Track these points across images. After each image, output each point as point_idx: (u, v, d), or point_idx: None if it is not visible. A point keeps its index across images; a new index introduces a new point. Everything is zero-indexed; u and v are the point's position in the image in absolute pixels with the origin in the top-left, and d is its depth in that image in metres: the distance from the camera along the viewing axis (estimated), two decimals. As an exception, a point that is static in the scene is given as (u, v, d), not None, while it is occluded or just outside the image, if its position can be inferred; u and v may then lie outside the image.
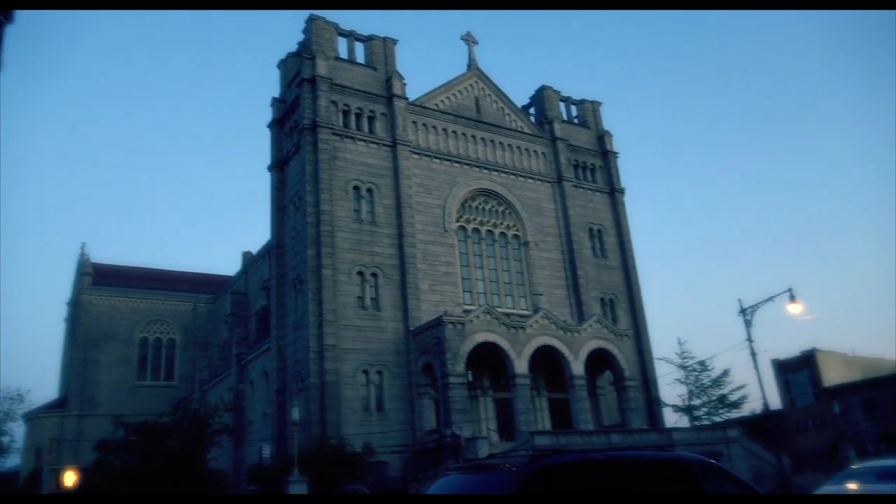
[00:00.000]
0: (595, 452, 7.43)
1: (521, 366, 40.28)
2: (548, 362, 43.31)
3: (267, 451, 21.78)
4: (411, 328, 41.83)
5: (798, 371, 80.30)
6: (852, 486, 11.17)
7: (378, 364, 40.72)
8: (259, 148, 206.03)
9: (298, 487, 27.19)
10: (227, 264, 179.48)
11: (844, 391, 71.88)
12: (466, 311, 41.95)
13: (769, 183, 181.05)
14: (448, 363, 38.14)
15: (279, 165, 48.04)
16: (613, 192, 57.15)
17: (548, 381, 45.51)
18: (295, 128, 46.79)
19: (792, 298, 27.48)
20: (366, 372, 40.35)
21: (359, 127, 46.29)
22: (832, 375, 77.85)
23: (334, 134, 44.61)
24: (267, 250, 51.55)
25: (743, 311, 30.24)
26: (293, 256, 43.98)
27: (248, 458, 44.63)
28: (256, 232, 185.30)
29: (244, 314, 57.59)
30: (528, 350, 40.91)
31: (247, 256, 62.66)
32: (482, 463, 7.89)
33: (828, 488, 11.89)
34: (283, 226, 46.16)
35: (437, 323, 39.42)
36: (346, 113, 46.10)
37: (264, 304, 52.14)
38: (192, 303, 69.69)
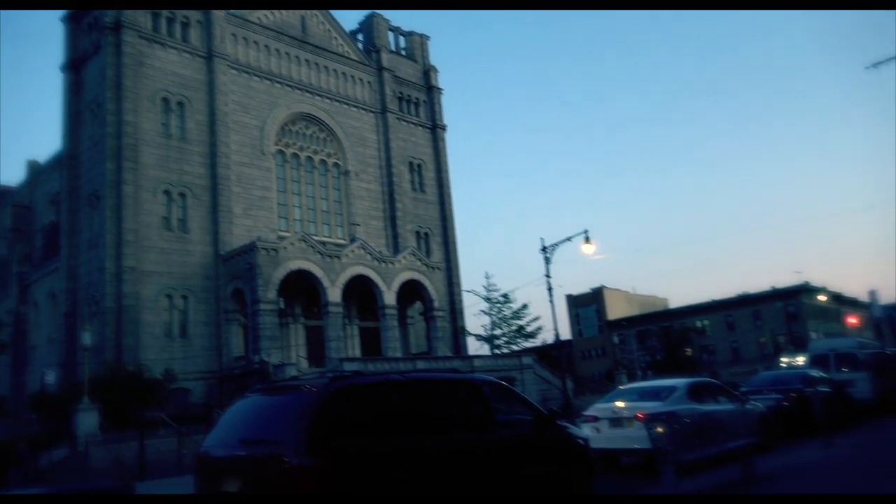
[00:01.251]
0: (395, 374, 7.82)
1: (334, 294, 40.55)
2: (361, 291, 43.97)
3: (51, 378, 20.16)
4: (222, 253, 40.27)
5: (587, 306, 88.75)
6: (619, 404, 12.82)
7: (183, 288, 38.90)
8: (51, 42, 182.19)
9: (88, 416, 25.63)
10: (9, 173, 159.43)
11: (623, 324, 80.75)
12: (281, 238, 41.13)
13: (578, 134, 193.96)
14: (259, 290, 37.41)
15: (75, 66, 42.91)
16: (435, 128, 58.06)
17: (360, 310, 46.31)
18: (95, 25, 41.88)
19: (587, 240, 30.08)
20: (169, 296, 38.42)
21: (170, 33, 42.49)
22: (615, 310, 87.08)
23: (141, 37, 40.60)
24: (58, 160, 46.28)
25: (544, 249, 32.60)
26: (89, 169, 40.06)
27: (29, 384, 41.15)
28: (45, 139, 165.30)
29: (28, 229, 51.78)
30: (343, 279, 41.21)
31: (33, 166, 55.86)
32: (284, 384, 7.99)
33: (599, 406, 13.56)
34: (79, 134, 41.66)
35: (250, 248, 38.32)
36: (156, 15, 42.02)
37: (53, 219, 47.24)
38: (-37, 214, 61.34)
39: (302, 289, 41.92)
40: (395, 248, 49.07)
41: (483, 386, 8.27)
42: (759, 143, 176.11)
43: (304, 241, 40.31)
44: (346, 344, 43.81)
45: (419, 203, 54.64)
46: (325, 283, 40.28)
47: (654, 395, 13.02)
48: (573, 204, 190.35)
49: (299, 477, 6.04)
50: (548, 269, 32.84)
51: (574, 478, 8.86)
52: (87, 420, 25.43)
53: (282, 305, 40.32)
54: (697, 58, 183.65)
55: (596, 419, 12.75)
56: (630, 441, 12.08)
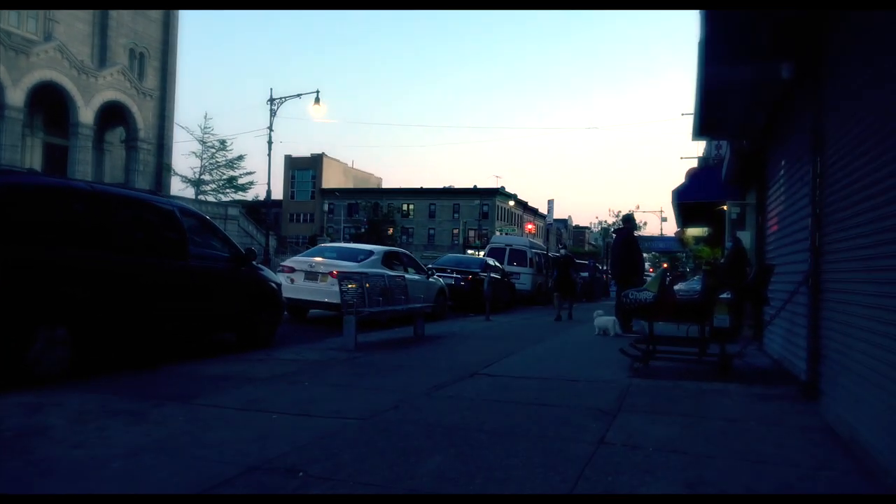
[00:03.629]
0: (80, 181, 7.02)
1: (15, 96, 34.63)
2: (50, 102, 38.12)
3: None
4: None
5: (305, 170, 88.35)
6: (317, 259, 13.22)
7: None
8: None
9: None
10: None
11: (336, 194, 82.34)
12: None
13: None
14: None
15: None
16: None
17: (47, 123, 40.27)
18: None
19: (317, 100, 29.55)
20: None
21: None
22: (331, 180, 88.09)
23: None
24: None
25: (271, 101, 31.33)
26: None
27: None
28: None
29: None
30: (29, 81, 35.25)
31: None
32: None
33: (297, 259, 13.87)
34: None
35: None
36: None
37: None
38: None
39: (-29, 82, 34.90)
40: (102, 62, 42.94)
41: (178, 212, 7.89)
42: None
43: (-18, 25, 33.28)
44: (24, 157, 38.01)
45: (139, 17, 47.98)
46: (5, 80, 34.08)
47: (352, 256, 13.69)
48: (306, 63, 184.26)
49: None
50: (271, 122, 31.82)
51: (262, 317, 9.07)
52: None
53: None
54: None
55: (292, 270, 13.05)
56: (321, 294, 12.65)
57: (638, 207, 76.02)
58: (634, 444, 4.37)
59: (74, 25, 42.52)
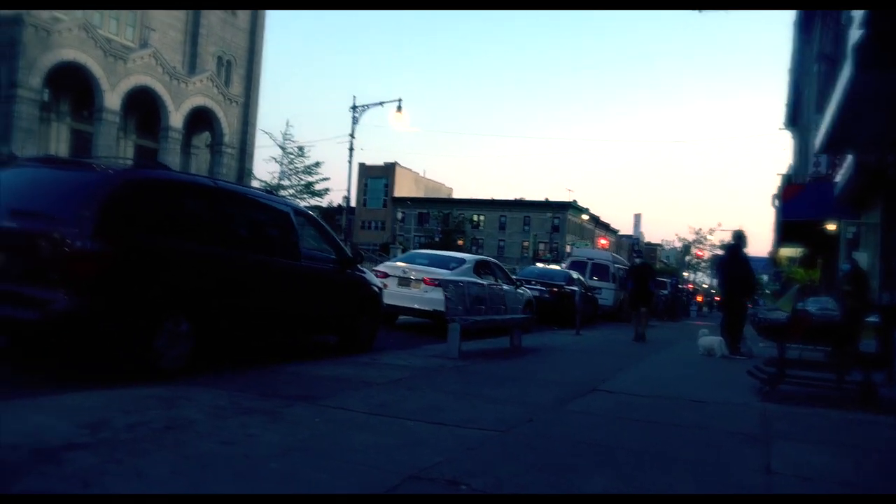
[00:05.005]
0: (204, 177, 7.11)
1: (112, 100, 36.20)
2: (144, 106, 39.77)
3: None
4: (-24, 17, 33.53)
5: (378, 178, 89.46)
6: (410, 266, 13.15)
7: (-83, 47, 32.07)
8: None
9: None
10: None
11: (408, 203, 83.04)
12: (57, 20, 35.20)
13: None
14: (20, 71, 32.10)
15: None
16: (262, -52, 52.36)
17: (139, 126, 42.02)
18: None
19: (399, 108, 29.74)
20: None
21: None
22: (403, 189, 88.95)
23: None
24: None
25: (354, 108, 31.74)
26: None
27: None
28: None
29: None
30: (125, 85, 36.82)
31: None
32: (73, 161, 6.87)
33: (389, 264, 13.89)
34: None
35: (16, 21, 32.34)
36: None
37: None
38: None
39: (73, 86, 36.75)
40: (192, 69, 44.59)
41: (293, 213, 7.90)
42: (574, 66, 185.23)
43: (86, 31, 35.01)
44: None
45: (227, 26, 49.72)
46: (104, 85, 35.70)
47: (444, 264, 13.55)
48: (379, 73, 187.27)
49: (81, 261, 5.33)
50: (353, 130, 32.21)
51: (364, 321, 8.99)
52: None
53: (46, 98, 35.16)
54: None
55: (385, 276, 13.00)
56: (413, 300, 12.55)
57: (720, 225, 73.53)
58: (805, 475, 4.00)
59: (168, 34, 44.33)
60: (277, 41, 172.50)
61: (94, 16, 39.73)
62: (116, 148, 38.57)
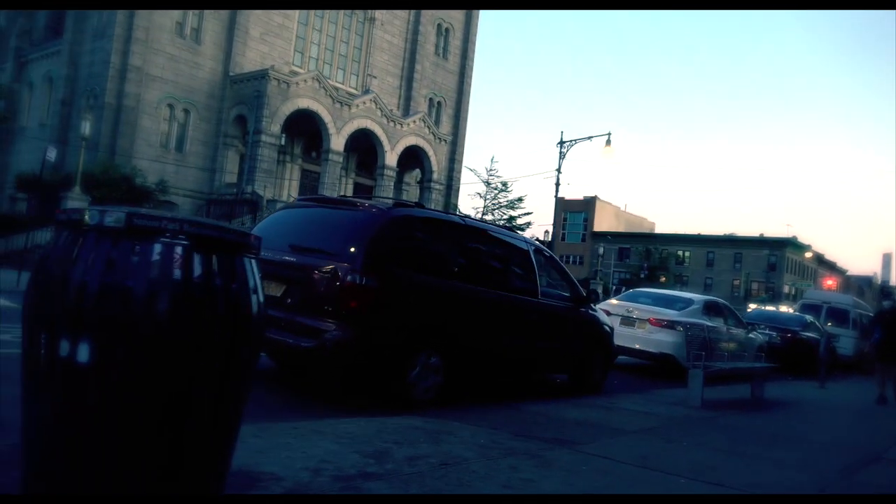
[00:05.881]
0: (455, 215, 7.40)
1: (337, 142, 39.49)
2: (362, 146, 42.94)
3: (52, 155, 19.34)
4: (231, 74, 38.53)
5: (577, 212, 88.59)
6: (634, 304, 12.62)
7: (186, 101, 37.44)
8: None
9: (77, 206, 25.11)
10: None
11: (609, 238, 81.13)
12: (294, 73, 39.38)
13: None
14: (264, 120, 36.18)
15: None
16: (471, -5, 54.85)
17: (357, 165, 45.45)
18: None
19: (608, 143, 29.26)
20: (171, 106, 37.01)
21: None
22: (602, 223, 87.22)
23: None
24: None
25: (561, 143, 31.74)
26: (105, -49, 37.26)
27: (14, 165, 40.14)
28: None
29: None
30: (349, 129, 40.02)
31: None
32: (339, 200, 7.43)
33: (612, 302, 13.43)
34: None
35: (262, 76, 36.67)
36: None
37: (58, -2, 44.46)
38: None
39: (305, 130, 40.69)
40: (406, 111, 47.51)
41: (532, 250, 7.89)
42: (779, 97, 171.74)
43: (318, 81, 38.68)
44: (339, 194, 43.20)
45: (439, 69, 52.46)
46: (331, 129, 39.10)
47: (669, 303, 12.84)
48: (578, 106, 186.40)
49: (352, 294, 5.67)
50: (560, 165, 32.14)
51: (596, 361, 8.71)
52: (74, 207, 24.91)
53: (283, 142, 39.27)
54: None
55: (608, 314, 12.57)
56: (637, 341, 11.98)
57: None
58: None
59: (386, 80, 47.74)
60: (481, 80, 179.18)
61: (325, 67, 43.95)
62: (339, 186, 42.00)
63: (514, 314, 7.22)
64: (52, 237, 2.48)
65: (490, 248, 7.29)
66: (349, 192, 44.77)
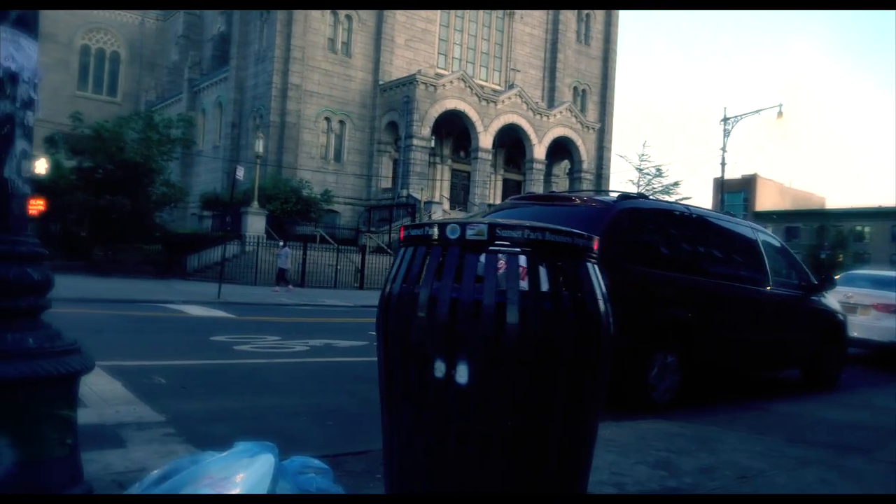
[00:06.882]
0: (680, 205, 7.02)
1: (485, 140, 39.67)
2: (510, 141, 42.82)
3: (241, 173, 20.86)
4: (381, 82, 39.85)
5: (736, 192, 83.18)
6: (853, 289, 11.40)
7: (341, 113, 39.19)
8: None
9: (256, 219, 26.96)
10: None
11: (773, 217, 75.60)
12: (439, 75, 40.01)
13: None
14: (414, 124, 37.06)
15: None
16: (611, -25, 53.07)
17: (506, 160, 45.40)
18: None
19: (780, 114, 27.15)
20: (328, 119, 38.91)
21: None
22: (765, 202, 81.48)
23: None
24: (230, -31, 46.37)
25: (725, 120, 29.90)
26: (261, -20, 39.82)
27: (195, 186, 43.96)
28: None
29: (198, 38, 53.39)
30: (496, 125, 40.07)
31: (204, -26, 56.64)
32: (559, 196, 7.25)
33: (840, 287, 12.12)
34: (252, -57, 41.14)
35: (409, 81, 37.59)
36: None
37: (222, 29, 48.18)
38: (139, 15, 63.91)
39: (452, 130, 41.26)
40: (551, 102, 46.84)
41: (759, 239, 7.28)
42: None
43: (463, 81, 39.05)
44: (489, 192, 43.38)
45: (581, 56, 51.26)
46: (479, 127, 39.34)
47: (893, 286, 11.51)
48: (731, 83, 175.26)
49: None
50: (724, 143, 30.37)
51: (831, 354, 7.90)
52: (256, 223, 26.80)
53: (433, 144, 40.03)
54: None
55: (822, 300, 11.50)
56: (859, 329, 10.81)
57: None
58: None
59: (528, 72, 47.33)
60: (627, 65, 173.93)
61: (468, 66, 44.30)
62: (489, 182, 42.18)
63: (747, 306, 6.69)
64: (401, 253, 2.42)
65: (717, 237, 6.79)
66: (499, 188, 44.91)
